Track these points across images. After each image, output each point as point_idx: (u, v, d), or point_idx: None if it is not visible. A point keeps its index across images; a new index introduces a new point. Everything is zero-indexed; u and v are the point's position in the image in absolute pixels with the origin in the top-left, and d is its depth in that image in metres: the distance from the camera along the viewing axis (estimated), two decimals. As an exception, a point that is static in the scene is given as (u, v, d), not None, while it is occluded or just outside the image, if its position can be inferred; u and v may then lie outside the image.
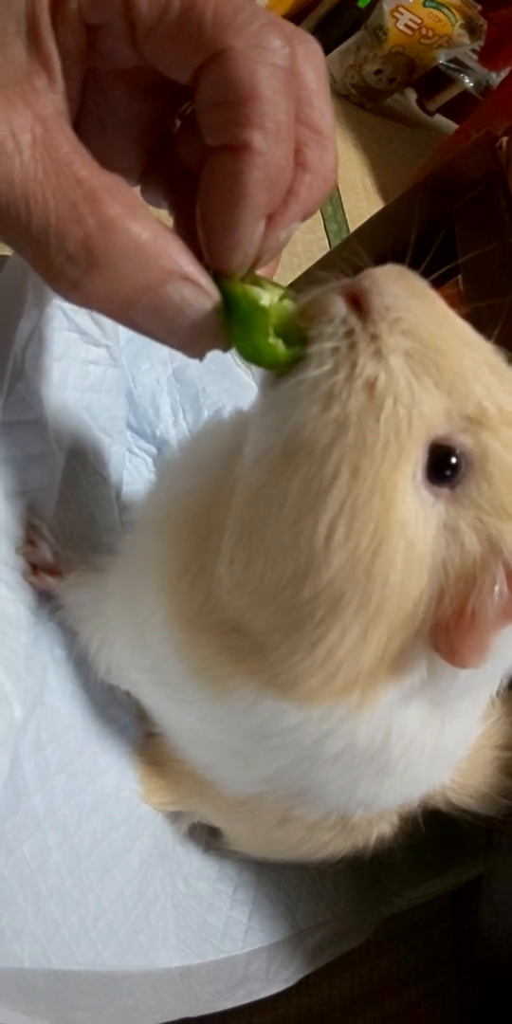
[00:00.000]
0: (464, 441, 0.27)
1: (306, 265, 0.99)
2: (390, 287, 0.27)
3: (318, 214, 1.62)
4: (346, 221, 1.67)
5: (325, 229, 1.62)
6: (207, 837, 0.49)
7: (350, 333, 0.26)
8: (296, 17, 1.87)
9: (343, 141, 1.92)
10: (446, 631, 0.27)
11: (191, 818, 0.47)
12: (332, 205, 1.66)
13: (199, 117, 0.26)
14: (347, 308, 0.27)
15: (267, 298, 0.27)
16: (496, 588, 0.27)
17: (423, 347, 0.26)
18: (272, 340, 0.27)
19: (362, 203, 1.77)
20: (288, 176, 0.26)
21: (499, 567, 0.27)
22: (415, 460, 0.26)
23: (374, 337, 0.26)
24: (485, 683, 0.33)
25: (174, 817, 0.47)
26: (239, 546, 0.29)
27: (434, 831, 0.42)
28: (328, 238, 1.59)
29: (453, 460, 0.27)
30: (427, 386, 0.26)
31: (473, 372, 0.27)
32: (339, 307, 0.27)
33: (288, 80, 0.25)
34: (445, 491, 0.27)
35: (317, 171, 0.27)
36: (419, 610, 0.27)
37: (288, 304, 0.28)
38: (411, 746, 0.32)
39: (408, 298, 0.27)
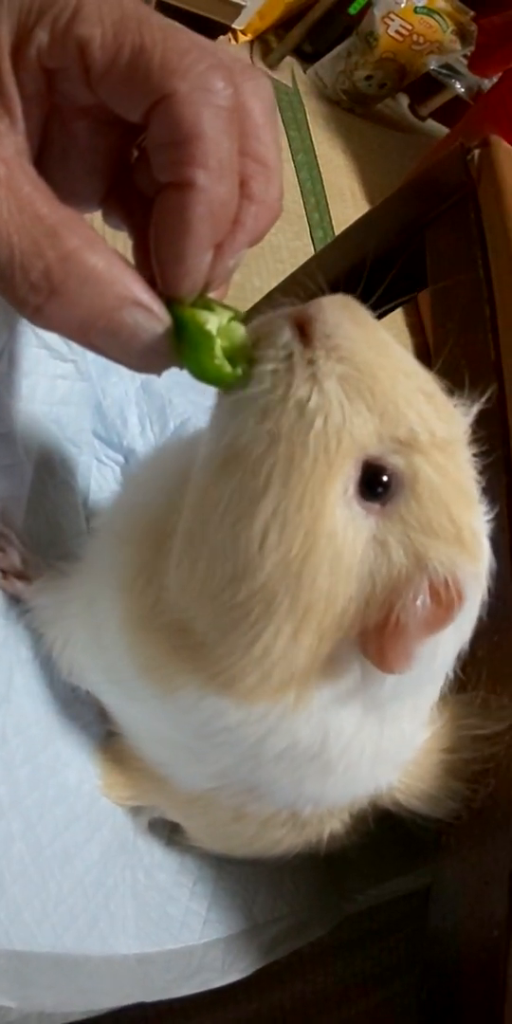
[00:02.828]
0: (396, 462, 0.29)
1: (291, 271, 1.00)
2: (333, 316, 0.29)
3: (305, 220, 1.63)
4: (332, 227, 1.68)
5: (311, 236, 1.63)
6: (169, 832, 0.51)
7: (290, 357, 0.28)
8: (288, 23, 1.87)
9: (332, 147, 1.93)
10: (374, 637, 0.29)
11: (151, 813, 0.48)
12: (319, 211, 1.67)
13: (149, 155, 0.28)
14: (291, 334, 0.29)
15: (216, 321, 0.29)
16: (419, 599, 0.28)
17: (358, 373, 0.28)
18: (218, 361, 0.29)
19: (349, 209, 1.78)
20: (232, 209, 0.28)
21: (424, 580, 0.29)
22: (346, 476, 0.28)
23: (311, 362, 0.28)
24: (416, 689, 0.34)
25: (135, 812, 0.48)
26: (186, 548, 0.31)
27: (395, 831, 0.43)
28: (314, 244, 1.60)
29: (384, 478, 0.29)
30: (359, 409, 0.28)
31: (406, 398, 0.29)
32: (284, 333, 0.29)
33: (230, 120, 0.26)
34: (376, 507, 0.29)
35: (263, 202, 0.29)
36: (347, 615, 0.29)
37: (236, 326, 0.30)
38: (350, 747, 0.33)
39: (349, 327, 0.29)
